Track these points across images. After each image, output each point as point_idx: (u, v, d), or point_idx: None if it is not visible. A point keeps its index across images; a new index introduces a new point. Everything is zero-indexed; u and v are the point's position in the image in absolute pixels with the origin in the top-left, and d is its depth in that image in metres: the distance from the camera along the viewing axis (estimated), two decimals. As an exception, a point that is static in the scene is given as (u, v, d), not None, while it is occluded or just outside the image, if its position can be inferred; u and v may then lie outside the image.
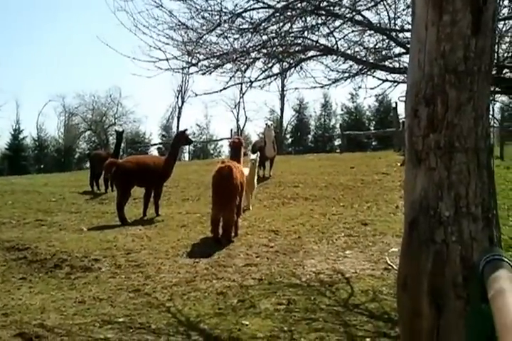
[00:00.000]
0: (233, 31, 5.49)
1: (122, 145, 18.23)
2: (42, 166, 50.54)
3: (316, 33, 5.68)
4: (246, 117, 56.09)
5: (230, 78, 5.89)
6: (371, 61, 5.95)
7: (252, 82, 5.98)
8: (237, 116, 56.64)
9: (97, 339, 4.55)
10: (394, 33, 5.72)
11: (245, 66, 5.86)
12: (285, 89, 48.40)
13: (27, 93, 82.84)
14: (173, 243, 8.14)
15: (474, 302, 2.11)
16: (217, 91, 6.19)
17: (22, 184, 16.39)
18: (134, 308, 5.37)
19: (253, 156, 11.20)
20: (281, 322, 4.85)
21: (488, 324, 1.55)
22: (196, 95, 6.15)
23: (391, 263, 6.50)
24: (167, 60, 5.51)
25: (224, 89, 6.05)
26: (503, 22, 5.37)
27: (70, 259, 7.23)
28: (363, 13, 5.53)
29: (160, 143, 55.37)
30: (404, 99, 2.73)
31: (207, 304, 5.45)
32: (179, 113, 57.33)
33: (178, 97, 57.27)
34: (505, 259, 1.97)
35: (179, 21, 5.47)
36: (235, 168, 8.18)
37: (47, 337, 4.59)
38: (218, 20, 5.39)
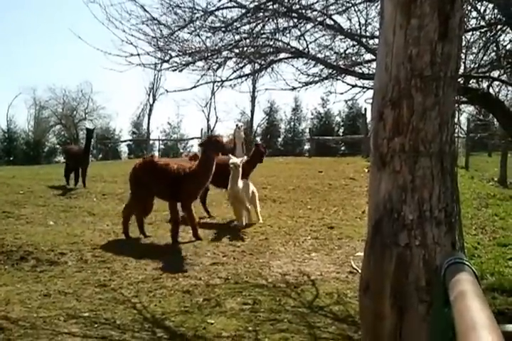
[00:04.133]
0: (205, 29, 5.52)
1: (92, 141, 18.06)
2: (11, 158, 49.80)
3: (288, 35, 5.75)
4: (217, 117, 56.01)
5: (202, 76, 5.93)
6: (341, 66, 6.04)
7: (223, 81, 6.03)
8: (208, 116, 56.53)
9: (62, 333, 4.55)
10: (364, 39, 5.83)
11: (217, 65, 5.89)
12: (256, 90, 48.53)
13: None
14: (140, 240, 8.17)
15: (437, 306, 2.15)
16: (188, 89, 6.24)
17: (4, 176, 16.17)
18: (100, 303, 5.38)
19: (234, 160, 9.25)
20: (246, 321, 4.90)
21: (451, 327, 1.58)
22: (167, 91, 6.11)
23: (356, 267, 6.61)
24: (139, 55, 5.49)
25: (195, 87, 6.10)
26: (470, 33, 5.52)
27: (36, 252, 7.18)
28: (334, 17, 5.62)
29: (130, 140, 55.04)
30: (371, 101, 2.76)
31: (173, 302, 5.48)
32: (150, 110, 57.01)
33: (149, 95, 56.97)
34: (467, 263, 2.03)
35: (151, 16, 5.48)
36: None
37: (11, 330, 4.58)
38: (190, 17, 5.41)
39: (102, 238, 8.10)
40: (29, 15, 76.98)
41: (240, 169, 9.21)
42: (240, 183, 9.12)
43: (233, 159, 9.30)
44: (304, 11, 5.52)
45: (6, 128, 55.29)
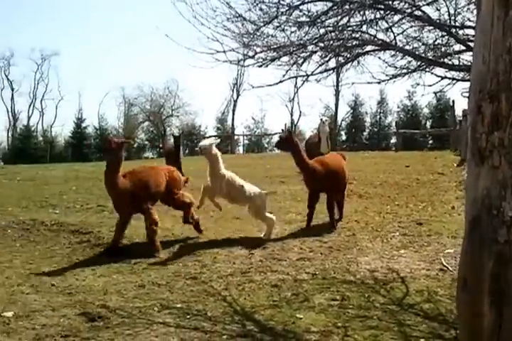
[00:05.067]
0: (290, 24, 5.53)
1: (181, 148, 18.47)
2: (103, 154, 51.80)
3: (375, 27, 5.67)
4: (300, 112, 56.04)
5: (287, 71, 5.92)
6: (430, 57, 5.89)
7: (308, 76, 6.00)
8: (292, 110, 56.64)
9: (156, 323, 4.72)
10: (454, 30, 5.66)
11: (302, 59, 5.88)
12: (340, 84, 48.06)
13: (89, 83, 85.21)
14: (228, 234, 8.32)
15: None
16: (273, 84, 6.23)
17: (85, 171, 16.91)
18: (191, 295, 5.54)
19: (203, 142, 8.10)
20: (335, 317, 4.89)
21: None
22: (253, 87, 6.13)
23: (447, 265, 6.46)
24: (224, 52, 5.59)
25: (280, 82, 6.09)
26: None
27: (130, 245, 7.51)
28: (422, 8, 5.50)
29: (215, 136, 55.99)
30: (467, 94, 2.69)
31: (261, 295, 5.55)
32: (234, 106, 57.74)
33: (233, 90, 57.69)
34: None
35: (236, 13, 5.54)
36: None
37: (109, 318, 4.80)
38: (276, 13, 5.44)
39: (191, 231, 8.31)
40: (117, 15, 79.94)
41: (216, 153, 7.92)
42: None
43: (203, 141, 8.20)
44: (391, 3, 5.44)
45: (98, 125, 57.67)
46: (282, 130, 11.94)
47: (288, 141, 8.61)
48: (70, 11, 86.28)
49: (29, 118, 62.41)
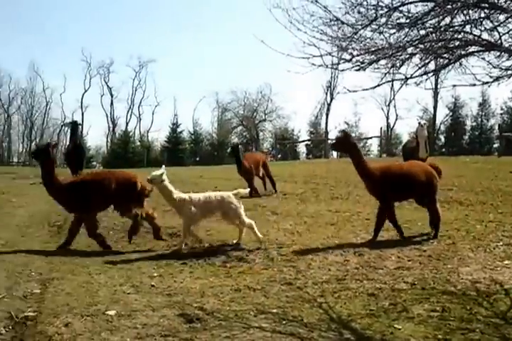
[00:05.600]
0: (389, 26, 5.39)
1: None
2: (197, 159, 53.08)
3: (479, 27, 5.43)
4: (397, 115, 54.97)
5: (385, 74, 5.80)
6: (540, 58, 5.58)
7: (407, 79, 5.83)
8: (388, 114, 55.67)
9: (252, 327, 4.73)
10: None
11: (400, 62, 5.72)
12: (439, 86, 46.62)
13: (184, 89, 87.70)
14: (322, 240, 8.24)
15: None
16: (370, 88, 6.12)
17: (180, 175, 17.35)
18: (287, 301, 5.51)
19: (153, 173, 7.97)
20: (435, 329, 4.71)
21: None
22: (349, 91, 6.01)
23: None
24: (321, 56, 5.54)
25: (378, 86, 5.94)
26: None
27: (226, 248, 7.64)
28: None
29: (308, 140, 55.85)
30: None
31: (358, 304, 5.44)
32: (328, 109, 57.46)
33: (326, 93, 57.47)
34: None
35: (334, 16, 5.47)
36: None
37: (206, 320, 4.87)
38: (374, 15, 5.32)
39: (286, 237, 8.32)
40: (211, 22, 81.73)
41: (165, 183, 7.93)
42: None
43: (153, 172, 8.00)
44: (496, 1, 5.20)
45: (193, 130, 59.12)
46: (339, 131, 11.83)
47: (344, 141, 8.42)
48: (165, 18, 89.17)
49: (127, 123, 65.24)
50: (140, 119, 66.48)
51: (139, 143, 60.11)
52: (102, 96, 67.04)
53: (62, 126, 63.16)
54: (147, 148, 56.34)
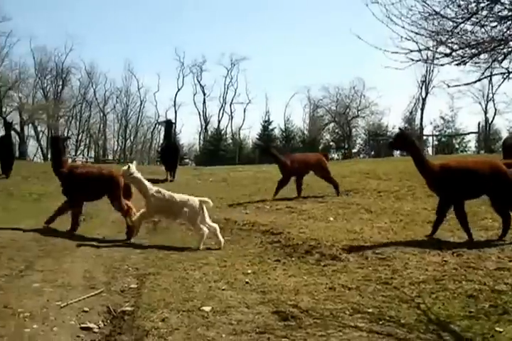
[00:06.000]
0: (491, 19, 5.18)
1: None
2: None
3: None
4: (495, 110, 52.66)
5: (486, 69, 5.59)
6: None
7: (509, 73, 5.59)
8: (486, 108, 53.45)
9: (348, 327, 4.65)
10: None
11: (502, 56, 5.48)
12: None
13: (275, 86, 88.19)
14: (419, 239, 8.00)
15: None
16: (470, 83, 5.94)
17: (272, 172, 17.39)
18: (383, 301, 5.39)
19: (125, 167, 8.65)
20: (539, 333, 4.47)
21: None
22: (448, 86, 5.86)
23: None
24: (420, 50, 5.44)
25: (479, 80, 5.82)
26: None
27: (320, 247, 7.52)
28: None
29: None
30: None
31: (457, 305, 5.23)
32: (423, 104, 55.91)
33: (421, 88, 55.89)
34: None
35: (433, 10, 5.32)
36: None
37: (301, 318, 4.83)
38: (475, 8, 5.13)
39: (381, 235, 8.16)
40: (302, 18, 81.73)
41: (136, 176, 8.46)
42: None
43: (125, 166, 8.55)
44: None
45: (284, 127, 59.26)
46: (399, 128, 11.38)
47: (401, 139, 8.27)
48: (257, 15, 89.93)
49: (219, 121, 66.11)
50: (232, 117, 67.25)
51: (230, 141, 60.97)
52: (194, 94, 68.35)
53: (156, 124, 65.14)
54: (239, 146, 57.07)
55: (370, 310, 5.10)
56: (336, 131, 58.52)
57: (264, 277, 6.28)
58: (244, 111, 66.28)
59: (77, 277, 6.25)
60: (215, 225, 8.27)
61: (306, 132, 60.33)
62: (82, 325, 4.72)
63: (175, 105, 67.16)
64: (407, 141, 8.23)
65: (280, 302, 5.27)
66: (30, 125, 53.89)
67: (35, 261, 6.96)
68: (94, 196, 9.78)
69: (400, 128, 10.93)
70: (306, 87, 61.86)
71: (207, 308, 5.06)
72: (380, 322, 4.78)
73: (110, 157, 65.36)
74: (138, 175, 8.57)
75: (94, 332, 4.62)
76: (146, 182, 8.62)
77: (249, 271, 6.54)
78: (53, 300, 5.33)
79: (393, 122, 76.33)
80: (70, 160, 50.06)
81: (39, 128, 58.78)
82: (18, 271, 6.46)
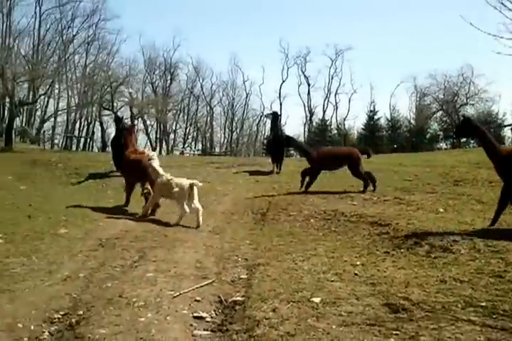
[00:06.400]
0: None
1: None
2: (395, 146, 52.12)
3: None
4: None
5: None
6: None
7: None
8: None
9: (461, 320, 4.54)
10: None
11: None
12: None
13: (380, 74, 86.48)
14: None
15: None
16: None
17: (379, 163, 17.15)
18: (496, 294, 5.19)
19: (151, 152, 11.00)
20: None
21: None
22: None
23: None
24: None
25: None
26: None
27: (429, 238, 7.35)
28: None
29: (512, 124, 51.86)
30: None
31: None
32: (539, 90, 52.84)
33: (537, 73, 52.80)
34: None
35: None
36: None
37: (412, 311, 4.76)
38: None
39: (495, 227, 7.85)
40: (407, 7, 79.52)
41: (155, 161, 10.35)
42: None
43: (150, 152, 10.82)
44: None
45: (390, 117, 58.07)
46: (463, 116, 10.72)
47: (465, 127, 8.14)
48: (360, 4, 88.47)
49: (324, 112, 65.96)
50: (337, 107, 66.84)
51: (335, 132, 60.55)
52: (299, 85, 68.63)
53: (262, 116, 65.90)
54: (344, 136, 56.57)
55: (483, 304, 4.93)
56: (444, 119, 56.59)
57: (373, 269, 6.25)
58: (349, 102, 65.78)
59: (189, 267, 6.47)
60: (199, 207, 9.49)
61: (412, 121, 58.82)
62: (195, 314, 4.90)
63: (280, 97, 67.73)
64: (471, 128, 8.07)
65: (390, 295, 5.22)
66: (139, 119, 56.10)
67: (148, 252, 7.24)
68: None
69: (463, 116, 10.47)
70: (412, 75, 60.41)
71: (316, 299, 5.11)
72: (494, 316, 4.62)
73: (217, 149, 66.90)
74: (155, 161, 10.38)
75: (206, 322, 4.79)
76: (160, 170, 10.31)
77: (357, 263, 6.53)
78: (166, 289, 5.55)
79: (504, 109, 72.74)
80: (178, 153, 52.07)
81: (148, 122, 61.24)
82: (132, 261, 6.75)
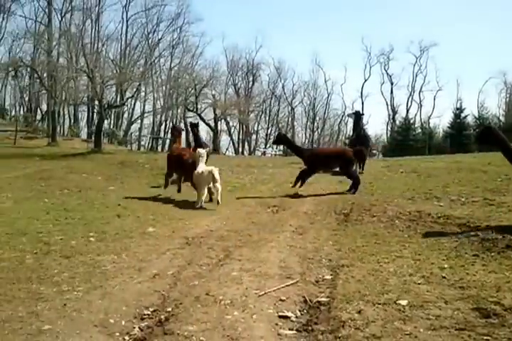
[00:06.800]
0: None
1: None
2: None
3: None
4: None
5: None
6: None
7: None
8: None
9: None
10: None
11: None
12: None
13: (467, 71, 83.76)
14: None
15: None
16: None
17: (466, 162, 16.65)
18: None
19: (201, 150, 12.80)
20: None
21: None
22: None
23: None
24: None
25: None
26: None
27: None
28: None
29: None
30: None
31: None
32: None
33: None
34: None
35: None
36: None
37: (504, 316, 4.59)
38: None
39: None
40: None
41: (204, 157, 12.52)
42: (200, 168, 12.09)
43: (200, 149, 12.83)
44: None
45: (478, 114, 56.14)
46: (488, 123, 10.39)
47: (485, 136, 8.58)
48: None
49: (407, 110, 64.73)
50: (421, 105, 65.46)
51: (420, 130, 59.19)
52: (381, 84, 67.76)
53: (344, 116, 65.39)
54: (429, 135, 55.17)
55: None
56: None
57: (462, 272, 6.05)
58: (434, 99, 64.20)
59: (273, 266, 6.49)
60: (219, 188, 11.64)
61: (502, 119, 56.62)
62: (280, 314, 4.90)
63: (361, 96, 66.96)
64: (491, 137, 8.50)
65: (480, 299, 5.04)
66: (222, 120, 56.96)
67: (233, 251, 7.33)
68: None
69: (483, 126, 10.47)
70: (502, 71, 58.13)
71: (403, 302, 5.02)
72: None
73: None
74: (202, 157, 12.46)
75: (291, 321, 4.78)
76: (201, 163, 12.40)
77: (445, 266, 6.34)
78: (251, 288, 5.59)
79: None
80: (260, 153, 52.48)
81: (231, 124, 62.10)
82: (217, 260, 6.85)
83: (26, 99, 61.12)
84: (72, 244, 7.71)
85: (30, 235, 8.17)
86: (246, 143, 64.72)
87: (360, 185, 12.73)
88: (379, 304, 5.01)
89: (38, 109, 59.28)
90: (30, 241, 7.82)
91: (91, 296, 5.41)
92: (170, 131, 16.54)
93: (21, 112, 60.62)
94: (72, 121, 58.79)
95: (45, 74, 38.56)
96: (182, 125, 43.70)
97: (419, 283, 5.66)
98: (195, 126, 16.92)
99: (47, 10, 43.27)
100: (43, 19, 46.54)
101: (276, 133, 16.25)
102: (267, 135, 67.74)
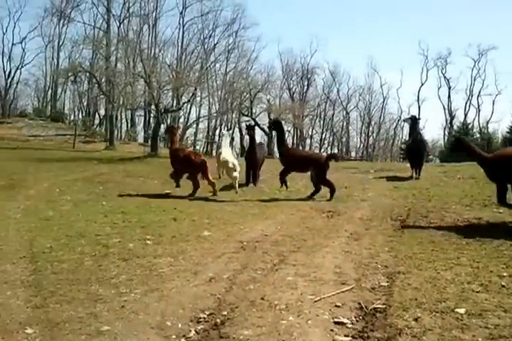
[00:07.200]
0: None
1: None
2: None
3: None
4: None
5: None
6: None
7: None
8: None
9: None
10: None
11: None
12: None
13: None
14: None
15: None
16: None
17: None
18: None
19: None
20: None
21: None
22: None
23: None
24: None
25: None
26: None
27: None
28: None
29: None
30: None
31: None
32: None
33: None
34: None
35: None
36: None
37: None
38: None
39: None
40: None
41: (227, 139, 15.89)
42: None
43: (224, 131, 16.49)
44: None
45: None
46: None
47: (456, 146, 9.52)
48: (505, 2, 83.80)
49: (465, 115, 63.38)
50: (479, 110, 64.08)
51: (478, 135, 57.86)
52: (438, 88, 66.73)
53: (399, 120, 64.59)
54: (487, 140, 53.84)
55: None
56: None
57: (517, 281, 5.93)
58: (493, 103, 62.68)
59: (328, 272, 6.47)
60: (236, 175, 14.62)
61: None
62: (335, 320, 4.88)
63: (418, 100, 66.02)
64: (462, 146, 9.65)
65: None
66: (277, 125, 56.97)
67: (288, 256, 7.33)
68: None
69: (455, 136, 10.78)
70: None
71: (461, 310, 4.95)
72: None
73: (353, 154, 66.40)
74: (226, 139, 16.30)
75: (347, 327, 4.76)
76: (224, 148, 15.85)
77: (504, 274, 6.21)
78: (307, 293, 5.59)
79: None
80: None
81: (285, 128, 62.00)
82: (272, 265, 6.86)
83: (85, 103, 62.94)
84: (130, 246, 7.88)
85: (88, 237, 8.39)
86: (300, 148, 64.65)
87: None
88: (436, 312, 4.96)
89: (96, 114, 60.98)
90: (89, 243, 8.03)
91: (148, 298, 5.53)
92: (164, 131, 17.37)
93: (80, 117, 62.48)
94: (130, 125, 60.13)
95: (103, 80, 39.60)
96: (181, 125, 44.47)
97: (477, 291, 5.57)
98: (251, 129, 17.00)
99: (106, 16, 44.62)
100: (102, 25, 48.02)
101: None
102: (321, 140, 67.60)
